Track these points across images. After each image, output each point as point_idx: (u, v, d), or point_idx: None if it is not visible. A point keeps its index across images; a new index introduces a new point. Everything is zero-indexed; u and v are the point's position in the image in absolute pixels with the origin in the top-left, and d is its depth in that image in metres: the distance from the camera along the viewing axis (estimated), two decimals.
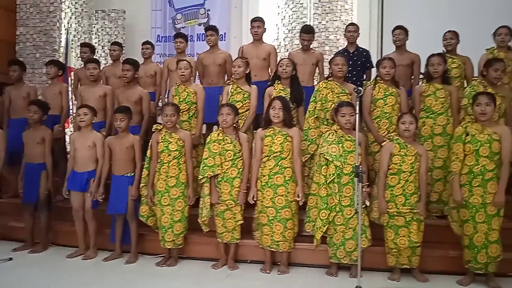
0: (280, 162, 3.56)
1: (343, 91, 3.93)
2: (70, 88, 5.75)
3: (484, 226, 3.19)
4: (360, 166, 3.16)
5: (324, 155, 3.49)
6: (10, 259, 3.87)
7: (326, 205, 3.47)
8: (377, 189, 3.48)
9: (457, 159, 3.28)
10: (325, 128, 3.70)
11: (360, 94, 3.19)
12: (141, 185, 3.86)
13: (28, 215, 4.19)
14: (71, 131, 6.01)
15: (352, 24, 5.06)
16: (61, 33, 7.03)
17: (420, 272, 3.41)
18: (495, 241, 3.18)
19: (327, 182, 3.48)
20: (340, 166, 3.45)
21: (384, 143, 3.50)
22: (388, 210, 3.40)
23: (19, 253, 4.06)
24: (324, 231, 3.50)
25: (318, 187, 3.54)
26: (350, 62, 4.68)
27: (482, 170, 3.21)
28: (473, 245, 3.22)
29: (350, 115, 3.44)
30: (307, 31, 4.72)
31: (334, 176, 3.46)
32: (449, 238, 3.51)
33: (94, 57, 5.43)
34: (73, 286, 3.34)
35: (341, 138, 3.51)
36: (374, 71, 4.90)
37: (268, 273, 3.58)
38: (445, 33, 4.52)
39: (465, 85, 4.32)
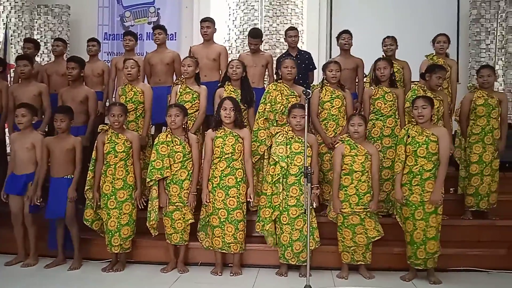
0: (231, 164, 3.55)
1: (292, 93, 3.99)
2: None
3: (422, 223, 3.35)
4: (309, 167, 3.22)
5: (272, 155, 3.55)
6: None
7: (270, 203, 3.54)
8: (332, 190, 3.56)
9: (399, 160, 3.44)
10: (278, 129, 3.73)
11: (309, 97, 3.26)
12: (86, 187, 3.71)
13: None
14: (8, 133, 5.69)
15: (292, 28, 5.04)
16: None
17: (366, 269, 3.53)
18: (432, 237, 3.34)
19: (273, 181, 3.53)
20: (286, 167, 3.50)
21: (337, 145, 3.59)
22: (342, 210, 3.48)
23: None
24: (267, 229, 3.55)
25: (267, 187, 3.59)
26: None
27: (420, 170, 3.37)
28: (413, 241, 3.37)
29: (301, 117, 3.50)
30: (254, 36, 4.74)
31: (279, 176, 3.51)
32: (394, 235, 3.65)
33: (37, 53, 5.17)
34: None
35: (290, 139, 3.57)
36: (316, 72, 5.05)
37: (220, 275, 3.56)
38: (384, 38, 4.69)
39: (404, 88, 4.50)
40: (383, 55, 4.48)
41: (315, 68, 4.92)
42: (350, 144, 3.52)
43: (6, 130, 4.78)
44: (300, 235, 3.50)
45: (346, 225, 3.49)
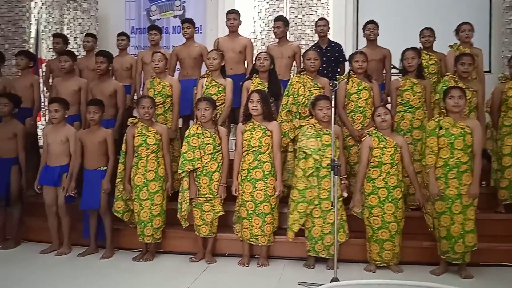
0: (258, 157, 3.56)
1: (316, 85, 3.96)
2: (41, 80, 5.57)
3: (460, 216, 3.28)
4: (337, 159, 3.20)
5: (303, 148, 3.52)
6: None
7: (303, 198, 3.50)
8: (356, 183, 3.52)
9: (432, 152, 3.35)
10: (303, 122, 3.71)
11: (336, 88, 3.23)
12: (117, 180, 3.79)
13: None
14: (43, 125, 5.87)
15: (321, 18, 5.05)
16: (30, 24, 6.80)
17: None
18: (471, 230, 3.28)
19: (306, 175, 3.50)
20: (319, 160, 3.48)
21: (364, 138, 3.55)
22: (370, 203, 3.44)
23: None
24: (302, 223, 3.53)
25: (297, 181, 3.56)
26: (324, 58, 4.72)
27: (457, 162, 3.29)
28: (451, 235, 3.30)
29: (328, 108, 3.47)
30: (276, 19, 4.78)
31: (313, 170, 3.48)
32: (423, 229, 3.60)
33: (67, 48, 5.29)
34: (47, 282, 3.27)
35: (319, 132, 3.53)
36: (347, 65, 4.98)
37: (246, 266, 3.60)
38: (423, 30, 4.59)
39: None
40: (420, 47, 4.38)
41: (346, 60, 4.85)
42: (378, 136, 3.47)
43: (38, 123, 4.94)
44: (332, 229, 3.46)
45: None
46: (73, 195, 3.84)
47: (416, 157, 3.85)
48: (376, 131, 3.50)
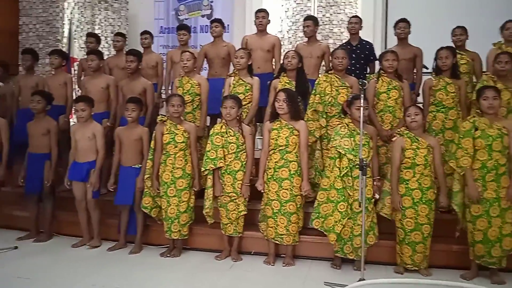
0: (285, 156, 3.55)
1: (343, 84, 3.92)
2: (74, 79, 5.72)
3: (498, 220, 3.20)
4: (364, 160, 3.16)
5: (337, 148, 3.48)
6: (16, 247, 3.89)
7: (343, 197, 3.45)
8: (391, 185, 3.46)
9: (467, 154, 3.27)
10: (336, 121, 3.68)
11: (365, 87, 3.19)
12: (145, 176, 3.86)
13: (32, 205, 4.21)
14: (74, 122, 6.03)
15: (354, 16, 5.07)
16: (64, 23, 6.99)
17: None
18: (508, 234, 3.19)
19: (341, 175, 3.46)
20: (353, 160, 3.44)
21: (395, 138, 3.49)
22: (403, 205, 3.38)
23: (24, 242, 4.08)
24: (344, 224, 3.46)
25: (329, 181, 3.51)
26: (353, 55, 4.69)
27: (496, 164, 3.21)
28: (487, 239, 3.22)
29: (365, 108, 3.41)
30: (306, 18, 4.78)
31: (347, 169, 3.45)
32: (453, 232, 3.51)
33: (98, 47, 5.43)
34: (79, 275, 3.36)
35: (353, 131, 3.49)
36: (377, 64, 4.91)
37: (272, 265, 3.60)
38: (454, 28, 4.47)
39: (474, 80, 4.28)
40: (452, 46, 4.28)
41: (376, 59, 4.78)
42: (410, 137, 3.40)
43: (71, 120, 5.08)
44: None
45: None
46: (112, 190, 3.93)
47: (447, 158, 3.76)
48: (407, 131, 3.43)
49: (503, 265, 3.22)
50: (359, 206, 3.18)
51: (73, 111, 5.17)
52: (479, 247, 3.25)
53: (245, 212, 3.72)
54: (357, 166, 3.37)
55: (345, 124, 3.52)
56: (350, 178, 3.45)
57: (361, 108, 3.23)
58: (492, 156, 3.21)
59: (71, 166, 4.01)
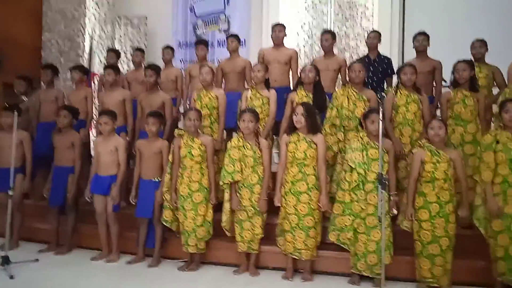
0: (303, 169, 3.53)
1: (360, 98, 3.91)
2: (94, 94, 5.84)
3: None
4: (384, 174, 3.13)
5: (348, 161, 3.48)
6: (36, 260, 3.94)
7: (350, 210, 3.45)
8: (407, 196, 3.42)
9: (489, 168, 3.21)
10: (352, 134, 3.67)
11: (383, 99, 3.17)
12: (164, 189, 3.88)
13: (53, 217, 4.27)
14: (94, 136, 6.13)
15: (373, 31, 5.08)
16: (85, 39, 7.16)
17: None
18: None
19: (351, 188, 3.45)
20: (363, 174, 3.42)
21: (415, 150, 3.46)
22: (420, 217, 3.34)
23: (44, 255, 4.13)
24: (349, 237, 3.47)
25: (343, 194, 3.51)
26: (371, 69, 4.69)
27: None
28: (509, 256, 3.14)
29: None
30: (324, 32, 4.83)
31: (357, 183, 3.43)
32: (476, 248, 3.45)
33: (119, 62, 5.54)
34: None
35: (366, 145, 3.48)
36: (395, 78, 4.89)
37: (290, 280, 3.57)
38: (473, 41, 4.44)
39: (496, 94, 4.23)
40: (471, 59, 4.24)
41: (394, 74, 4.76)
42: (431, 150, 3.36)
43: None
44: (377, 247, 3.39)
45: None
46: (134, 203, 3.97)
47: (468, 172, 3.70)
48: (428, 144, 3.39)
49: None
50: (379, 221, 3.13)
51: (92, 125, 5.28)
52: (501, 264, 3.18)
53: (262, 236, 3.69)
54: (371, 180, 3.37)
55: (359, 138, 3.50)
56: (362, 191, 3.43)
57: (380, 122, 3.20)
58: None
59: (93, 179, 4.06)
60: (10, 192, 3.74)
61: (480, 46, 4.40)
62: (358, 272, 3.48)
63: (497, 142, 3.21)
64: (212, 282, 3.56)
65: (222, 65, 4.97)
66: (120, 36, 7.49)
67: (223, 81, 4.96)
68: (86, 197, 4.07)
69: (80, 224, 4.36)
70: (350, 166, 3.47)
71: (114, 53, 5.61)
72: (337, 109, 3.94)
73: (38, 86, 6.09)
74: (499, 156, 3.19)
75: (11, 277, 3.45)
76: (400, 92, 3.92)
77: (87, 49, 7.13)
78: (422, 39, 4.54)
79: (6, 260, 3.60)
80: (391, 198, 3.45)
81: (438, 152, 3.34)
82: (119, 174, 3.99)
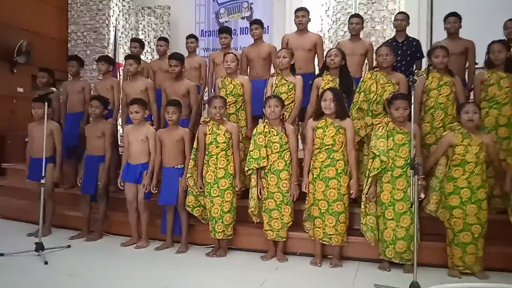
0: (332, 155, 3.49)
1: (389, 82, 3.81)
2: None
3: None
4: (416, 159, 3.05)
5: (372, 149, 3.43)
6: (69, 246, 4.04)
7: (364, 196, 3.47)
8: (424, 166, 3.35)
9: None
10: (376, 120, 3.60)
11: (415, 84, 3.08)
12: (188, 175, 3.90)
13: (85, 205, 4.36)
14: (120, 125, 6.22)
15: (401, 12, 4.95)
16: (109, 30, 7.26)
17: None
18: None
19: (370, 175, 3.41)
20: (386, 161, 3.36)
21: (445, 133, 3.36)
22: (450, 204, 3.27)
23: (76, 241, 4.24)
24: (366, 223, 3.49)
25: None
26: (399, 52, 4.57)
27: None
28: None
29: (404, 108, 3.33)
30: (353, 15, 4.74)
31: (377, 171, 3.38)
32: (510, 234, 3.34)
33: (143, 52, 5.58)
34: (128, 273, 3.44)
35: (391, 131, 3.40)
36: (424, 61, 4.75)
37: (319, 266, 3.55)
38: (506, 21, 4.28)
39: None
40: (504, 39, 4.08)
41: (423, 57, 4.63)
42: (462, 133, 3.26)
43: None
44: (406, 234, 3.33)
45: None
46: (154, 191, 4.01)
47: (501, 156, 3.58)
48: (460, 127, 3.29)
49: None
50: (411, 207, 3.06)
51: (119, 115, 5.35)
52: None
53: (291, 223, 3.68)
54: (399, 166, 3.33)
55: (384, 124, 3.43)
56: (388, 177, 3.38)
57: (411, 106, 3.12)
58: None
59: (124, 167, 4.12)
60: (43, 181, 3.83)
61: None
62: (386, 259, 3.43)
63: None
64: (240, 267, 3.58)
65: (246, 51, 4.93)
66: (144, 26, 7.57)
67: (248, 68, 4.93)
68: (119, 186, 4.12)
69: (110, 211, 4.44)
70: (373, 153, 3.41)
71: (137, 42, 5.64)
72: (364, 93, 3.86)
73: (64, 78, 6.22)
74: None
75: (46, 262, 3.55)
76: (432, 75, 3.80)
77: (111, 40, 7.22)
78: (454, 21, 4.38)
79: (41, 247, 3.70)
80: (419, 182, 3.37)
81: (469, 135, 3.24)
82: (150, 163, 4.03)
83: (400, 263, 3.40)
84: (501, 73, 3.68)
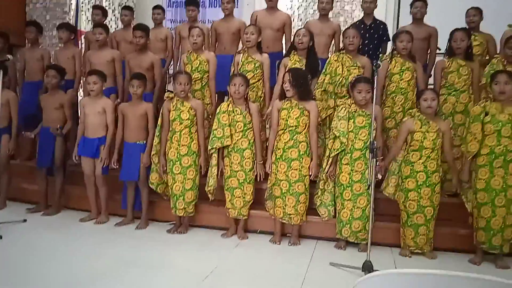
0: (295, 136, 3.52)
1: (355, 65, 3.85)
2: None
3: (503, 210, 3.18)
4: (375, 142, 3.13)
5: (333, 129, 3.49)
6: (25, 220, 3.93)
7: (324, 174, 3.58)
8: (386, 158, 3.45)
9: (475, 139, 3.24)
10: (340, 102, 3.65)
11: (379, 68, 3.13)
12: (152, 152, 3.86)
13: (41, 178, 4.24)
14: (81, 96, 6.02)
15: None
16: None
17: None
18: (511, 225, 3.18)
19: (329, 155, 3.49)
20: (345, 143, 3.43)
21: (405, 119, 3.46)
22: (406, 187, 3.39)
23: (33, 215, 4.12)
24: (322, 200, 3.62)
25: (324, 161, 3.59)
26: (367, 35, 4.59)
27: (504, 150, 3.17)
28: (489, 227, 3.21)
29: (367, 91, 3.39)
30: None
31: (337, 151, 3.46)
32: (459, 216, 3.53)
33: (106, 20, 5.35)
34: (86, 249, 3.40)
35: (353, 113, 3.47)
36: (390, 44, 4.81)
37: (278, 244, 3.63)
38: (468, 9, 4.36)
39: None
40: (465, 27, 4.18)
41: (389, 40, 4.68)
42: (421, 119, 3.36)
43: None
44: (362, 215, 3.46)
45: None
46: (115, 167, 3.93)
47: (455, 142, 3.73)
48: (419, 113, 3.39)
49: (505, 251, 3.23)
50: (368, 188, 3.16)
51: (81, 85, 5.17)
52: (481, 233, 3.26)
53: (252, 201, 3.73)
54: (358, 148, 3.42)
55: (346, 106, 3.49)
56: (348, 158, 3.46)
57: (372, 91, 3.18)
58: (500, 142, 3.17)
59: (80, 141, 4.01)
60: None
61: (474, 15, 4.33)
62: (343, 238, 3.54)
63: (486, 114, 3.21)
64: (202, 244, 3.61)
65: (215, 25, 4.81)
66: None
67: (216, 43, 4.84)
68: (74, 159, 4.03)
69: (68, 185, 4.34)
70: (334, 134, 3.48)
71: (100, 10, 5.40)
72: (330, 75, 3.89)
73: (21, 44, 5.90)
74: (487, 128, 3.21)
75: (0, 237, 3.44)
76: (395, 60, 3.87)
77: (73, 5, 6.86)
78: (420, 6, 4.43)
79: None
80: (377, 163, 3.47)
81: (428, 122, 3.34)
82: (107, 136, 3.94)
83: (356, 242, 3.53)
84: (461, 61, 3.79)
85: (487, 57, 4.25)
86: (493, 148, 3.20)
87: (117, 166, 3.95)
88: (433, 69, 4.18)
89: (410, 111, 3.49)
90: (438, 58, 4.34)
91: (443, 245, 3.52)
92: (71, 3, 6.86)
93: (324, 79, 3.91)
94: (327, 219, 3.63)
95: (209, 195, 3.79)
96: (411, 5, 4.48)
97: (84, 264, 3.09)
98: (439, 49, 4.49)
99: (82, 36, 6.34)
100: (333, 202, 3.64)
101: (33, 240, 3.54)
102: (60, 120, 4.15)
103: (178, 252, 3.42)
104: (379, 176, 3.41)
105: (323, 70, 3.95)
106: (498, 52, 4.19)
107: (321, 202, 3.66)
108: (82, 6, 6.87)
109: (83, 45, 5.87)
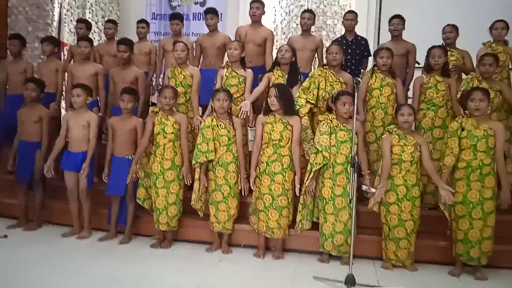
0: (278, 150, 3.56)
1: (338, 80, 3.93)
2: None
3: (480, 222, 3.26)
4: (356, 157, 3.19)
5: (315, 144, 3.54)
6: (5, 236, 3.86)
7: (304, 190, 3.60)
8: (380, 179, 3.48)
9: (452, 153, 3.33)
10: (321, 117, 3.71)
11: (359, 85, 3.21)
12: (138, 167, 3.85)
13: (21, 193, 4.18)
14: (63, 108, 5.96)
15: (350, 12, 5.05)
16: (54, 7, 6.83)
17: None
18: (488, 237, 3.27)
19: (312, 169, 3.52)
20: (328, 157, 3.48)
21: (384, 136, 3.53)
22: (387, 200, 3.45)
23: (14, 231, 4.06)
24: (304, 216, 3.64)
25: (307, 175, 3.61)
26: (349, 51, 4.71)
27: (480, 164, 3.26)
28: (467, 240, 3.29)
29: (350, 104, 3.46)
30: (305, 11, 4.82)
31: (319, 166, 3.50)
32: (439, 229, 3.60)
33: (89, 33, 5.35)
34: (68, 265, 3.36)
35: (335, 128, 3.53)
36: (371, 60, 4.93)
37: (262, 258, 3.65)
38: (445, 26, 4.53)
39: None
40: (442, 43, 4.31)
41: (370, 55, 4.80)
42: (398, 134, 3.45)
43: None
44: (344, 228, 3.50)
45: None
46: (105, 181, 3.90)
47: (434, 156, 3.82)
48: (396, 129, 3.48)
49: (483, 263, 3.31)
50: (350, 202, 3.21)
51: (62, 99, 5.13)
52: (459, 246, 3.34)
53: (236, 216, 3.75)
54: (340, 163, 3.47)
55: (328, 121, 3.55)
56: (330, 173, 3.51)
57: (352, 106, 3.25)
58: (477, 156, 3.27)
59: (64, 155, 3.96)
60: None
61: (450, 31, 4.48)
62: (326, 252, 3.59)
63: (462, 129, 3.31)
64: (185, 259, 3.60)
65: (200, 40, 4.86)
66: (91, 5, 7.19)
67: (201, 57, 4.87)
68: (46, 173, 3.89)
69: (50, 200, 4.28)
70: (316, 148, 3.53)
71: (84, 24, 5.40)
72: (315, 87, 3.91)
73: (4, 56, 5.84)
74: (463, 142, 3.31)
75: None
76: (376, 75, 3.97)
77: (56, 17, 6.83)
78: (397, 23, 4.57)
79: None
80: (367, 177, 3.53)
81: (405, 136, 3.43)
82: (89, 149, 3.91)
83: (338, 255, 3.57)
84: (438, 77, 3.91)
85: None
86: (470, 162, 3.29)
87: (106, 180, 3.92)
88: (411, 83, 4.28)
89: (388, 127, 3.56)
90: (417, 72, 4.47)
91: (424, 257, 3.58)
92: (54, 15, 6.83)
93: (308, 85, 3.91)
94: (299, 232, 3.66)
95: (199, 213, 3.80)
96: (389, 22, 4.62)
97: (66, 280, 3.06)
98: (418, 63, 4.62)
99: (65, 48, 6.31)
100: (308, 217, 3.68)
101: (14, 255, 3.48)
102: (39, 135, 4.11)
103: (161, 267, 3.41)
104: (373, 190, 3.43)
105: (305, 82, 3.98)
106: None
107: (302, 216, 3.66)
108: (65, 18, 6.83)
109: (65, 57, 5.84)
